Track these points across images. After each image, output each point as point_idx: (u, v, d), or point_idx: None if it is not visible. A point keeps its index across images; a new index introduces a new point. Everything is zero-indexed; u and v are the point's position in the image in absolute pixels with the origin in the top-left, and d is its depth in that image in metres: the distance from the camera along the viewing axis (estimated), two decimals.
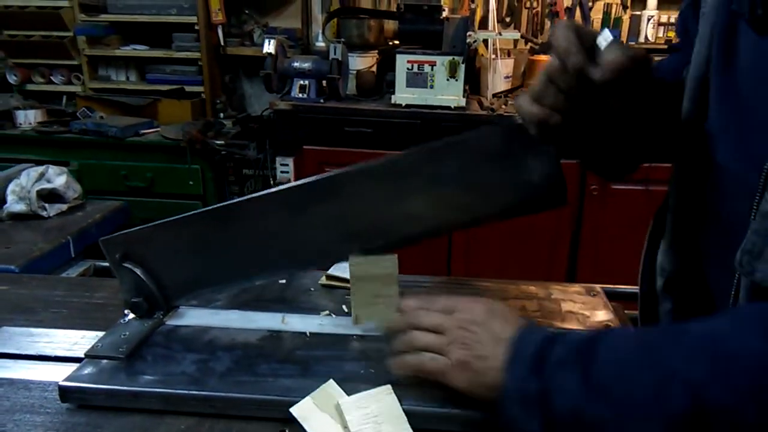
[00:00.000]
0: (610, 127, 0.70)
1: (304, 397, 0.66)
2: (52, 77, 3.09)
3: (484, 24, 2.83)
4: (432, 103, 2.40)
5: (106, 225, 1.49)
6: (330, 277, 0.96)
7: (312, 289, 0.95)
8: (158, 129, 2.85)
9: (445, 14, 2.48)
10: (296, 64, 2.51)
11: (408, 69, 2.40)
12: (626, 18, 2.92)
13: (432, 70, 2.39)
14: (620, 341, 0.57)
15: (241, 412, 0.67)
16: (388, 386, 0.67)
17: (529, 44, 2.84)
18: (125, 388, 0.69)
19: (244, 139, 2.76)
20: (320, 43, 2.92)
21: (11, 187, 1.45)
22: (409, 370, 0.66)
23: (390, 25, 2.78)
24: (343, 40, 2.59)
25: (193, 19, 2.88)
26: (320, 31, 2.93)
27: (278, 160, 2.57)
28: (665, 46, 2.84)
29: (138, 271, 0.80)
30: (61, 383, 0.69)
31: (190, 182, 2.76)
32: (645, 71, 0.65)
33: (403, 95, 2.42)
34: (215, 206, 0.79)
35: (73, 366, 0.73)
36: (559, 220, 2.46)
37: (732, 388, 0.48)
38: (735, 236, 0.57)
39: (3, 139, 2.83)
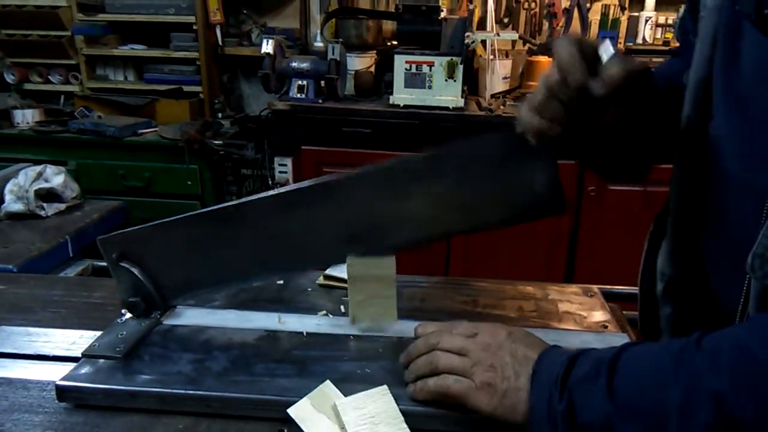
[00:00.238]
0: (609, 136, 0.71)
1: (300, 397, 0.66)
2: (49, 77, 3.09)
3: (482, 25, 2.83)
4: (430, 104, 2.41)
5: (104, 225, 1.49)
6: (328, 277, 0.96)
7: (309, 289, 0.95)
8: (156, 129, 2.85)
9: (443, 15, 2.48)
10: (294, 65, 2.51)
11: (406, 69, 2.40)
12: (624, 19, 2.92)
13: (430, 70, 2.39)
14: (641, 355, 0.57)
15: (238, 412, 0.67)
16: (385, 387, 0.67)
17: (528, 45, 2.85)
18: (122, 387, 0.69)
19: (242, 139, 2.76)
20: (318, 44, 2.92)
21: (9, 186, 1.45)
22: (432, 394, 0.65)
23: (388, 25, 2.79)
24: (341, 40, 2.59)
25: (192, 18, 2.88)
26: (318, 31, 2.93)
27: (276, 160, 2.57)
28: (663, 48, 2.84)
29: (135, 271, 0.80)
30: (58, 383, 0.69)
31: (188, 182, 2.76)
32: (645, 83, 0.66)
33: (402, 96, 2.43)
34: (214, 207, 0.80)
35: (72, 365, 0.73)
36: (557, 221, 2.46)
37: (758, 400, 0.48)
38: (741, 240, 0.57)
39: (1, 139, 2.82)
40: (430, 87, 2.41)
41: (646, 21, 2.85)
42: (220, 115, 3.01)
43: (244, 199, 0.80)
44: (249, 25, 3.10)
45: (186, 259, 0.82)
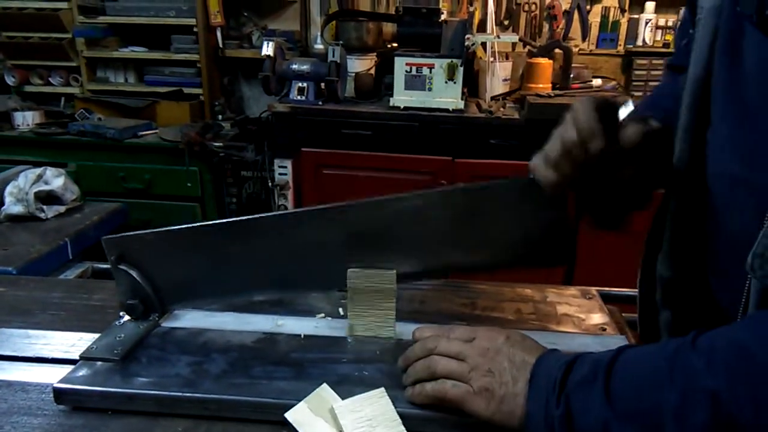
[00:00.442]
0: (620, 188, 0.73)
1: (298, 399, 0.66)
2: (50, 79, 3.10)
3: (482, 27, 2.83)
4: (430, 106, 2.41)
5: (104, 227, 1.49)
6: None
7: None
8: (156, 131, 2.86)
9: (443, 17, 2.48)
10: (295, 67, 2.51)
11: (406, 71, 2.41)
12: (624, 21, 2.93)
13: (430, 72, 2.39)
14: (638, 357, 0.57)
15: (236, 415, 0.67)
16: (382, 389, 0.67)
17: (528, 47, 2.85)
18: (119, 390, 0.69)
19: (242, 141, 2.76)
20: (319, 46, 2.93)
21: (9, 188, 1.45)
22: (429, 399, 0.65)
23: (388, 27, 2.79)
24: (341, 42, 2.59)
25: (192, 21, 2.88)
26: (319, 33, 2.94)
27: (276, 162, 2.57)
28: (664, 50, 2.85)
29: (133, 273, 0.80)
30: (55, 385, 0.69)
31: (188, 184, 2.76)
32: (662, 142, 0.68)
33: (402, 98, 2.43)
34: (219, 221, 0.80)
35: (71, 368, 0.73)
36: None
37: (756, 399, 0.48)
38: (741, 241, 0.57)
39: (1, 141, 2.83)
40: (430, 89, 2.41)
41: (647, 23, 2.85)
42: (220, 117, 3.01)
43: (250, 216, 0.80)
44: (249, 28, 3.11)
45: (187, 269, 0.82)
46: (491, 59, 2.61)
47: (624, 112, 0.68)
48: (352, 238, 0.80)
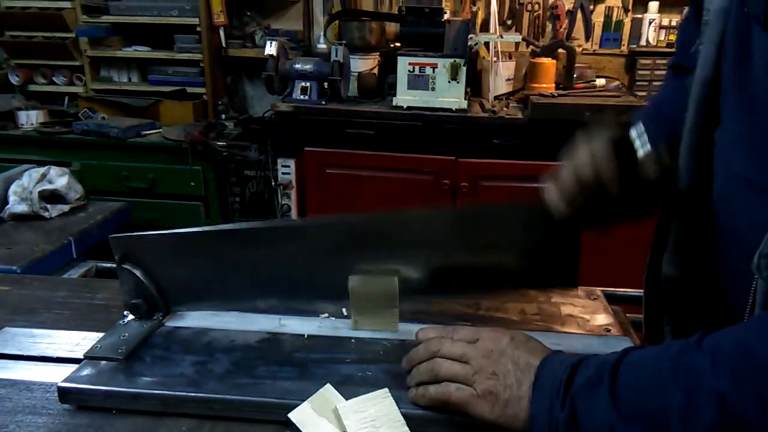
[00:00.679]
0: (629, 212, 0.75)
1: (302, 399, 0.66)
2: (54, 78, 3.10)
3: (485, 27, 2.83)
4: (433, 106, 2.41)
5: (108, 226, 1.50)
6: None
7: None
8: (160, 130, 2.86)
9: (446, 17, 2.48)
10: (298, 66, 2.51)
11: (409, 71, 2.41)
12: (627, 21, 2.92)
13: (433, 72, 2.39)
14: (643, 359, 0.57)
15: (240, 415, 0.67)
16: (386, 390, 0.67)
17: (531, 47, 2.85)
18: (123, 389, 0.69)
19: (245, 140, 2.76)
20: (322, 45, 2.93)
21: (13, 188, 1.45)
22: (433, 401, 0.65)
23: (391, 27, 2.79)
24: (344, 42, 2.59)
25: (195, 20, 2.88)
26: (322, 33, 2.94)
27: (279, 161, 2.57)
28: (667, 50, 2.84)
29: (137, 273, 0.81)
30: (59, 384, 0.70)
31: (192, 183, 2.77)
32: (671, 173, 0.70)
33: (405, 97, 2.43)
34: (225, 228, 0.81)
35: (75, 367, 0.73)
36: None
37: (761, 399, 0.47)
38: (748, 242, 0.57)
39: (5, 140, 2.84)
40: (433, 89, 2.40)
41: (650, 23, 2.84)
42: (223, 116, 3.01)
43: (257, 224, 0.81)
44: (252, 27, 3.11)
45: (192, 272, 0.83)
46: (494, 59, 2.61)
47: (641, 148, 0.70)
48: (358, 251, 0.80)
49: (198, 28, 2.90)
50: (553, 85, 2.59)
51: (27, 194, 1.44)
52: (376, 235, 0.80)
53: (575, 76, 2.61)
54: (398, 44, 2.73)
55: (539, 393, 0.60)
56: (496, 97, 2.63)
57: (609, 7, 2.91)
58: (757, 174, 0.59)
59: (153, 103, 2.99)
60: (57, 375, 0.72)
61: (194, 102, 2.97)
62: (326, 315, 0.87)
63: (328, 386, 0.68)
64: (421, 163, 2.42)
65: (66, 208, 1.50)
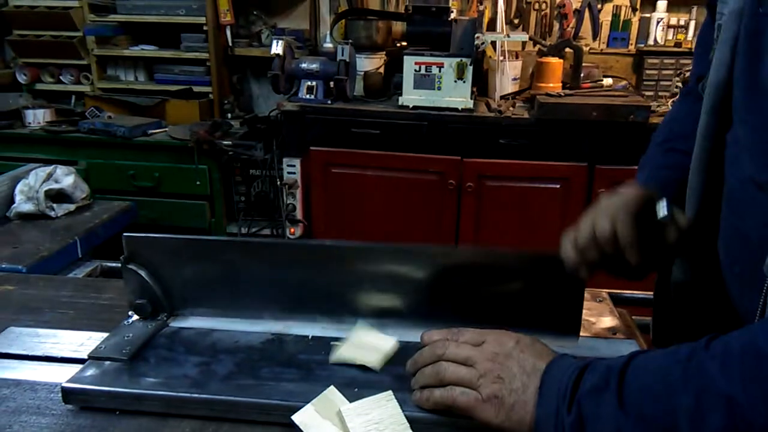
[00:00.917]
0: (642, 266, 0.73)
1: (306, 401, 0.66)
2: (61, 77, 3.11)
3: (492, 26, 2.82)
4: (439, 105, 2.40)
5: (114, 225, 1.50)
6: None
7: None
8: (166, 129, 2.87)
9: (453, 16, 2.47)
10: (304, 65, 2.51)
11: (415, 71, 2.40)
12: (635, 20, 2.90)
13: (440, 71, 2.38)
14: (650, 362, 0.56)
15: (243, 416, 0.67)
16: (390, 392, 0.67)
17: (538, 46, 2.83)
18: (127, 390, 0.69)
19: (251, 139, 2.76)
20: (328, 45, 2.92)
21: (19, 186, 1.46)
22: (438, 405, 0.64)
23: (398, 26, 2.78)
24: (350, 41, 2.59)
25: (202, 19, 2.89)
26: (328, 32, 2.94)
27: (285, 160, 2.57)
28: (675, 49, 2.82)
29: (142, 273, 0.80)
30: (63, 385, 0.70)
31: (197, 182, 2.77)
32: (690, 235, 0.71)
33: (411, 97, 2.42)
34: (234, 239, 0.82)
35: (79, 367, 0.73)
36: (566, 224, 2.44)
37: None
38: (759, 245, 0.56)
39: (12, 138, 2.85)
40: (439, 88, 2.40)
41: (658, 22, 2.83)
42: (229, 115, 3.02)
43: (271, 240, 0.82)
44: (259, 26, 3.11)
45: (198, 280, 0.83)
46: (501, 58, 2.60)
47: (660, 211, 0.71)
48: (366, 280, 0.81)
49: (205, 27, 2.90)
50: (560, 84, 2.58)
51: (33, 193, 1.44)
52: (380, 264, 0.80)
53: (582, 75, 2.59)
54: (404, 43, 2.73)
55: (545, 397, 0.59)
56: (502, 97, 2.62)
57: (617, 6, 2.90)
58: (765, 175, 0.58)
59: (159, 102, 3.00)
60: (61, 375, 0.72)
61: (200, 101, 2.97)
62: None
63: (332, 388, 0.68)
64: (427, 162, 2.42)
65: (72, 207, 1.50)
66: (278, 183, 2.67)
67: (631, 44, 2.92)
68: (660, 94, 2.80)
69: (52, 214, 1.46)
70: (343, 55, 2.44)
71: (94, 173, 2.73)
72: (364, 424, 0.62)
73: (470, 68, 2.35)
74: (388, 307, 0.81)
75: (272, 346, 0.79)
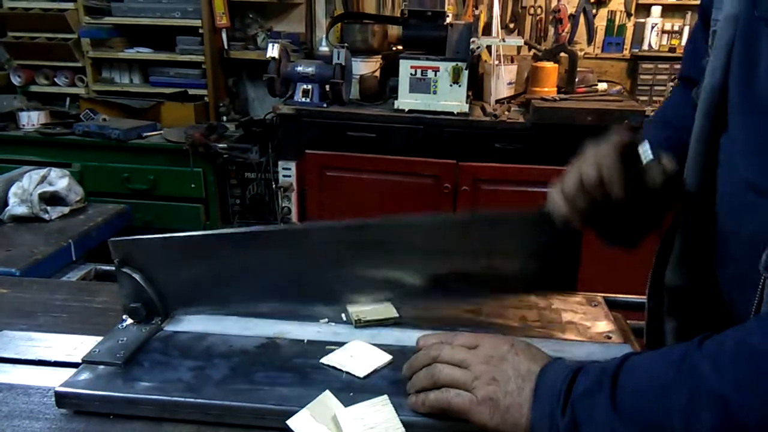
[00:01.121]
0: (634, 217, 0.74)
1: (301, 406, 0.65)
2: (55, 79, 3.10)
3: (487, 30, 2.83)
4: (435, 109, 2.41)
5: (108, 228, 1.49)
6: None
7: None
8: (161, 132, 2.86)
9: (448, 20, 2.48)
10: (300, 69, 2.51)
11: (411, 74, 2.40)
12: (630, 25, 2.92)
13: (435, 75, 2.39)
14: (643, 364, 0.57)
15: (238, 421, 0.67)
16: (385, 396, 0.66)
17: (533, 51, 2.84)
18: (121, 394, 0.69)
19: (246, 142, 2.76)
20: (324, 48, 2.92)
21: (13, 189, 1.45)
22: (433, 408, 0.64)
23: (394, 30, 2.79)
24: (346, 44, 2.59)
25: (198, 22, 2.89)
26: (324, 35, 2.94)
27: (281, 164, 2.57)
28: (669, 54, 2.84)
29: (137, 277, 0.80)
30: (56, 389, 0.69)
31: (192, 185, 2.77)
32: (679, 180, 0.70)
33: (406, 100, 2.43)
34: (226, 231, 0.81)
35: (73, 371, 0.73)
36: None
37: (763, 402, 0.47)
38: (755, 246, 0.57)
39: (6, 140, 2.84)
40: (435, 92, 2.40)
41: (652, 27, 2.84)
42: (224, 118, 3.01)
43: (259, 228, 0.81)
44: (255, 29, 3.11)
45: (191, 276, 0.82)
46: (496, 62, 2.61)
47: (644, 155, 0.71)
48: (358, 257, 0.80)
49: (200, 30, 2.90)
50: (555, 89, 2.59)
51: (27, 196, 1.43)
52: (375, 241, 0.80)
53: (577, 80, 2.61)
54: (400, 47, 2.73)
55: (540, 400, 0.59)
56: (497, 101, 2.63)
57: (612, 11, 2.91)
58: (761, 178, 0.59)
59: (154, 105, 2.99)
60: (55, 379, 0.72)
61: (195, 104, 2.97)
62: (326, 320, 0.86)
63: (328, 393, 0.68)
64: (423, 166, 2.42)
65: (66, 210, 1.49)
66: (273, 186, 2.67)
67: (626, 49, 2.94)
68: (654, 98, 2.82)
69: (46, 216, 1.45)
70: (338, 58, 2.44)
71: (88, 176, 2.72)
72: (359, 429, 0.62)
73: (466, 72, 2.36)
74: (389, 279, 0.81)
75: (267, 350, 0.78)
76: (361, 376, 0.72)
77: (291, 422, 0.64)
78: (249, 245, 0.81)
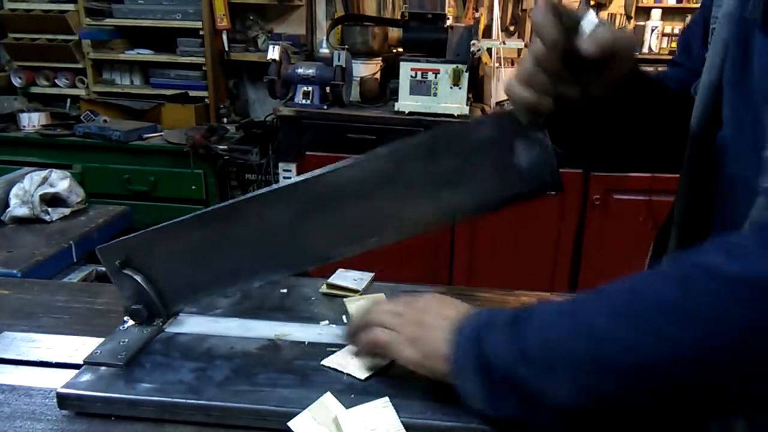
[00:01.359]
0: (600, 117, 0.74)
1: (302, 407, 0.66)
2: (56, 80, 3.11)
3: (488, 33, 2.83)
4: (435, 111, 2.41)
5: (109, 230, 1.49)
6: (330, 286, 0.96)
7: (312, 297, 0.95)
8: (162, 133, 2.86)
9: (449, 23, 2.49)
10: (300, 71, 2.52)
11: (412, 77, 2.41)
12: (630, 28, 2.92)
13: (435, 78, 2.39)
14: (551, 306, 0.61)
15: (239, 422, 0.67)
16: (386, 398, 0.67)
17: None
18: (122, 396, 0.69)
19: (247, 144, 2.77)
20: (324, 50, 2.93)
21: (14, 190, 1.45)
22: (366, 346, 0.71)
23: (394, 32, 2.80)
24: (347, 47, 2.60)
25: (198, 24, 2.89)
26: (324, 37, 2.95)
27: (281, 165, 2.58)
28: (669, 57, 2.84)
29: (138, 278, 0.80)
30: (58, 390, 0.69)
31: (193, 187, 2.77)
32: (630, 54, 0.70)
33: (407, 103, 2.43)
34: (210, 208, 0.80)
35: (75, 373, 0.73)
36: (562, 228, 2.45)
37: (639, 332, 0.51)
38: None
39: (7, 142, 2.84)
40: (435, 94, 2.41)
41: (652, 30, 2.85)
42: (225, 120, 3.02)
43: (238, 198, 0.80)
44: (255, 31, 3.12)
45: (186, 263, 0.81)
46: (497, 65, 2.61)
47: (587, 26, 0.64)
48: (329, 208, 0.79)
49: (201, 32, 2.91)
50: None
51: (28, 197, 1.44)
52: (339, 188, 0.78)
53: None
54: (401, 49, 2.74)
55: (457, 334, 0.63)
56: (498, 103, 2.63)
57: (611, 14, 2.92)
58: (754, 174, 0.59)
59: (155, 107, 3.00)
60: (56, 380, 0.72)
61: (196, 105, 2.97)
62: (326, 322, 0.86)
63: (329, 395, 0.68)
64: None
65: (67, 211, 1.50)
66: None
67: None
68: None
69: (47, 218, 1.45)
70: (339, 60, 2.45)
71: (89, 177, 2.72)
72: (360, 431, 0.62)
73: (466, 75, 2.37)
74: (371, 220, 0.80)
75: (268, 352, 0.79)
76: (362, 378, 0.72)
77: (292, 424, 0.64)
78: (228, 218, 0.79)
